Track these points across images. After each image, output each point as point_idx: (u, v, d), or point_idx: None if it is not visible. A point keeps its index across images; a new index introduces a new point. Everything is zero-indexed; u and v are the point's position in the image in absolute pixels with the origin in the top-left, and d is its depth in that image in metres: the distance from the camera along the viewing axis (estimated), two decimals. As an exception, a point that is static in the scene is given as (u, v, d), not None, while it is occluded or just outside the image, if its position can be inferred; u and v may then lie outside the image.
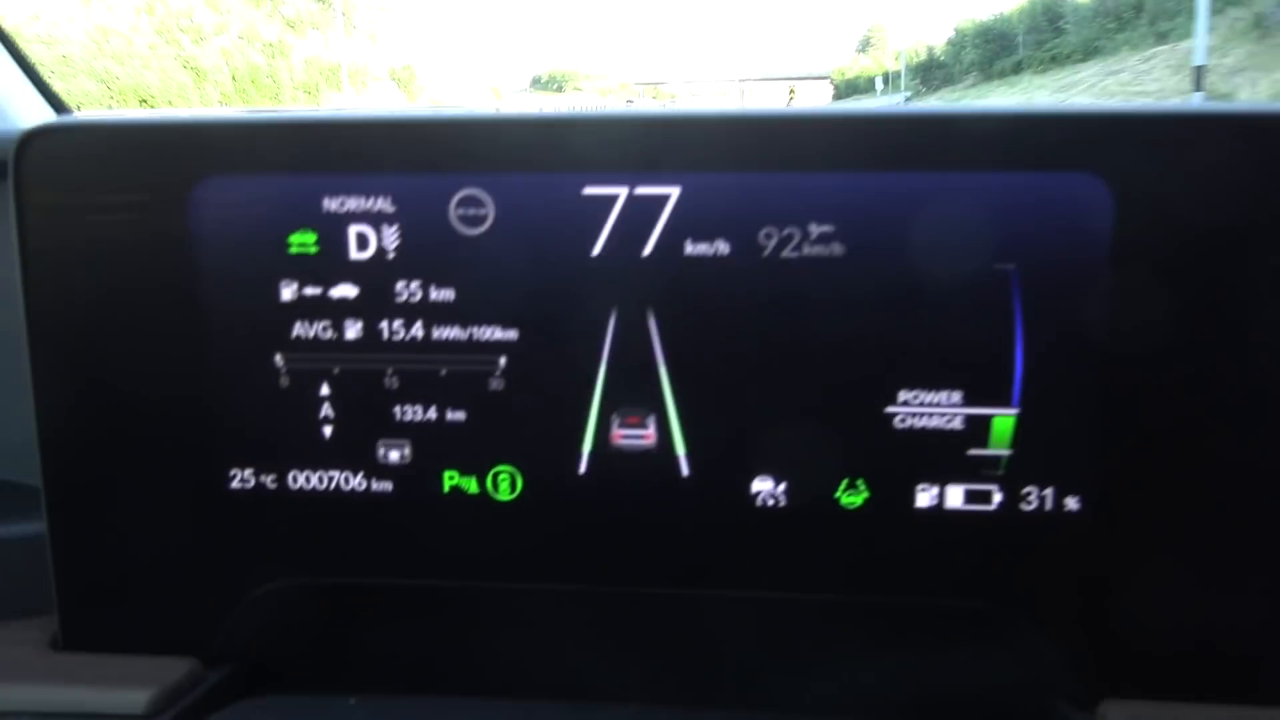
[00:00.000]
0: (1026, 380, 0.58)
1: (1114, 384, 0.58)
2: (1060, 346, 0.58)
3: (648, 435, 0.62)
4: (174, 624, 0.67)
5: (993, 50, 39.06)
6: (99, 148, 0.62)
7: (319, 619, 0.68)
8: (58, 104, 0.93)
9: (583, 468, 0.63)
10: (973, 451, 0.60)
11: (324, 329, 0.62)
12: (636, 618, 0.67)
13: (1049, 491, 0.60)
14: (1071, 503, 0.60)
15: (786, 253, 0.59)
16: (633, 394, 0.61)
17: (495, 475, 0.63)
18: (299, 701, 0.60)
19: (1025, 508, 0.60)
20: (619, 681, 0.68)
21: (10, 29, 0.92)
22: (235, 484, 0.65)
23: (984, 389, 0.59)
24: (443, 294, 0.61)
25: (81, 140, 0.62)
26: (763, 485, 0.62)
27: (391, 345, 0.62)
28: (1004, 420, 0.59)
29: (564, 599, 0.66)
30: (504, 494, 0.63)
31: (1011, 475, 0.60)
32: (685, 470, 0.62)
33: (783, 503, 0.62)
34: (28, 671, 0.65)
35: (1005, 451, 0.60)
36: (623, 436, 0.62)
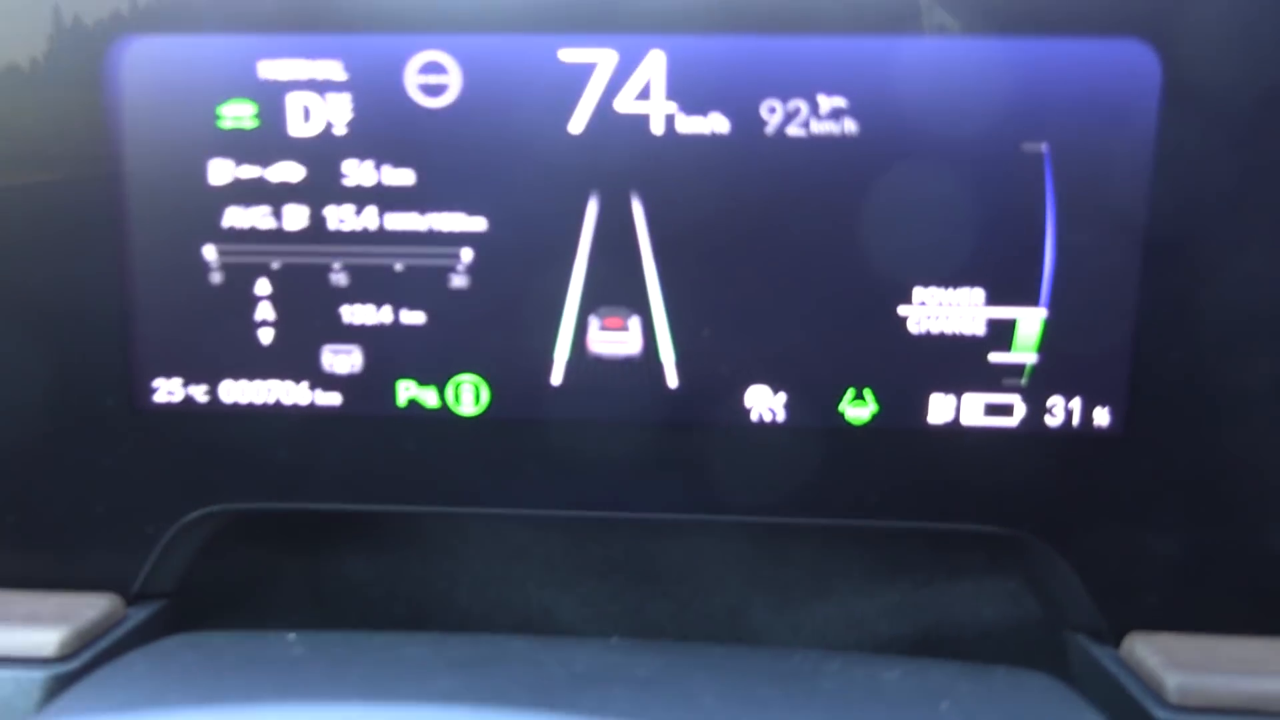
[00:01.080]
0: (1057, 276, 0.52)
1: (1155, 281, 0.52)
2: (1096, 238, 0.52)
3: (630, 340, 0.55)
4: (93, 557, 0.59)
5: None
6: (3, 5, 0.53)
7: (256, 550, 0.61)
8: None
9: (557, 378, 0.56)
10: (994, 357, 0.54)
11: (262, 216, 0.54)
12: (616, 546, 0.61)
13: (1077, 403, 0.54)
14: (1101, 416, 0.54)
15: (792, 129, 0.52)
16: (614, 292, 0.54)
17: (457, 386, 0.56)
18: (230, 639, 0.53)
19: (1050, 422, 0.54)
20: (595, 616, 0.62)
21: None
22: (159, 397, 0.57)
23: (1009, 287, 0.53)
24: (399, 176, 0.54)
25: None
26: (759, 397, 0.55)
27: (339, 236, 0.55)
28: (1030, 322, 0.53)
29: (534, 526, 0.60)
30: (467, 408, 0.56)
31: (1036, 385, 0.54)
32: (672, 380, 0.55)
33: (781, 417, 0.55)
34: None
35: (1030, 358, 0.53)
36: (602, 341, 0.55)
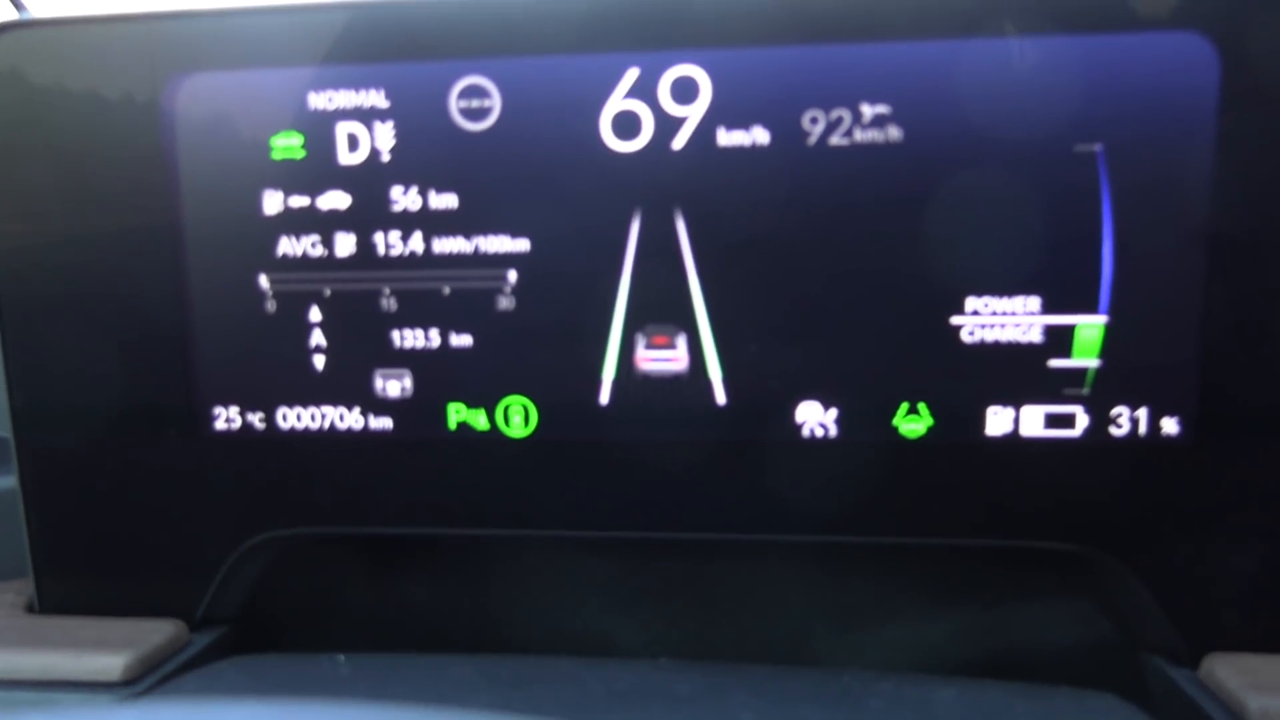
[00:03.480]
0: (1117, 281, 0.50)
1: (1219, 284, 0.50)
2: (1156, 240, 0.50)
3: (677, 358, 0.54)
4: (157, 584, 0.60)
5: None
6: (60, 47, 0.56)
7: (314, 574, 0.61)
8: (17, 1, 0.87)
9: (604, 397, 0.55)
10: (1054, 364, 0.52)
11: (313, 245, 0.55)
12: (675, 570, 0.60)
13: (1143, 413, 0.52)
14: (1170, 426, 0.51)
15: (835, 139, 0.51)
16: (660, 310, 0.54)
17: (506, 408, 0.56)
18: (281, 661, 0.53)
19: (1115, 432, 0.52)
20: (654, 641, 0.61)
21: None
22: (219, 425, 0.58)
23: (1066, 293, 0.51)
24: (444, 200, 0.54)
25: (41, 39, 0.56)
26: (810, 413, 0.54)
27: (387, 261, 0.55)
28: (1090, 329, 0.51)
29: (584, 547, 0.59)
30: (516, 429, 0.56)
31: (1099, 394, 0.52)
32: (721, 397, 0.55)
33: (833, 432, 0.54)
34: None
35: (1092, 364, 0.51)
36: (649, 360, 0.55)
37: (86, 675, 0.54)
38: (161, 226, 0.56)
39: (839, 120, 0.51)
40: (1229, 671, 0.50)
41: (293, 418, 0.57)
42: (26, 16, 0.61)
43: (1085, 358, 0.51)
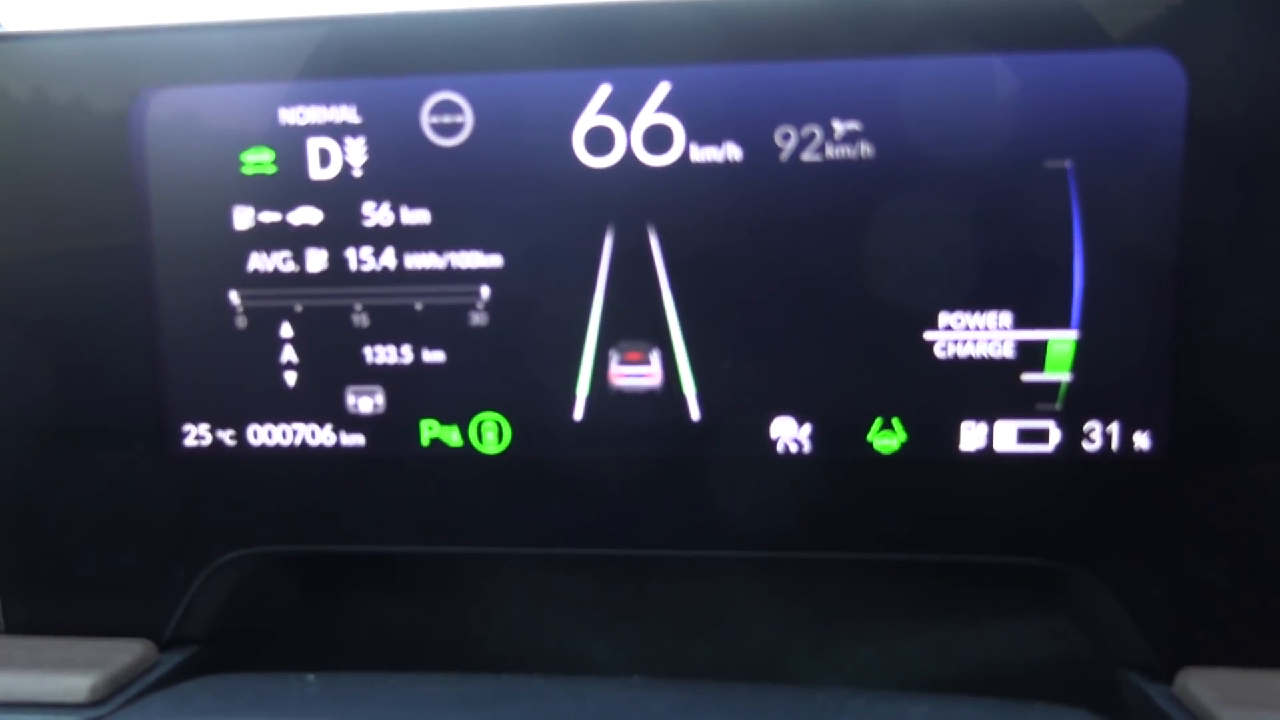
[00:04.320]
0: (1088, 296, 0.51)
1: (1191, 298, 0.50)
2: (1126, 256, 0.50)
3: (651, 373, 0.54)
4: (125, 603, 0.59)
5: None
6: (31, 62, 0.55)
7: (289, 594, 0.61)
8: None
9: (578, 413, 0.55)
10: (1027, 378, 0.52)
11: (284, 260, 0.55)
12: (642, 584, 0.60)
13: (1115, 427, 0.52)
14: (1142, 440, 0.52)
15: (807, 155, 0.51)
16: (633, 326, 0.54)
17: (479, 424, 0.56)
18: (249, 681, 0.53)
19: (1088, 447, 0.52)
20: (630, 659, 0.60)
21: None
22: (189, 442, 0.57)
23: (1038, 309, 0.51)
24: (416, 216, 0.54)
25: (12, 53, 0.55)
26: (784, 428, 0.54)
27: (359, 277, 0.55)
28: (1062, 344, 0.51)
29: (558, 564, 0.59)
30: (490, 446, 0.56)
31: (1072, 408, 0.52)
32: (695, 413, 0.54)
33: (808, 448, 0.54)
34: None
35: (1064, 379, 0.52)
36: (623, 376, 0.54)
37: (53, 696, 0.53)
38: (131, 241, 0.55)
39: (811, 136, 0.51)
40: (1203, 686, 0.50)
41: (264, 435, 0.57)
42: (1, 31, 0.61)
43: (1057, 373, 0.52)
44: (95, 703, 0.53)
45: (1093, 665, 0.56)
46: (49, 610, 0.60)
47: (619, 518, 0.56)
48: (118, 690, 0.54)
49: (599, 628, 0.63)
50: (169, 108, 0.54)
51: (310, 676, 0.51)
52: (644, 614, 0.63)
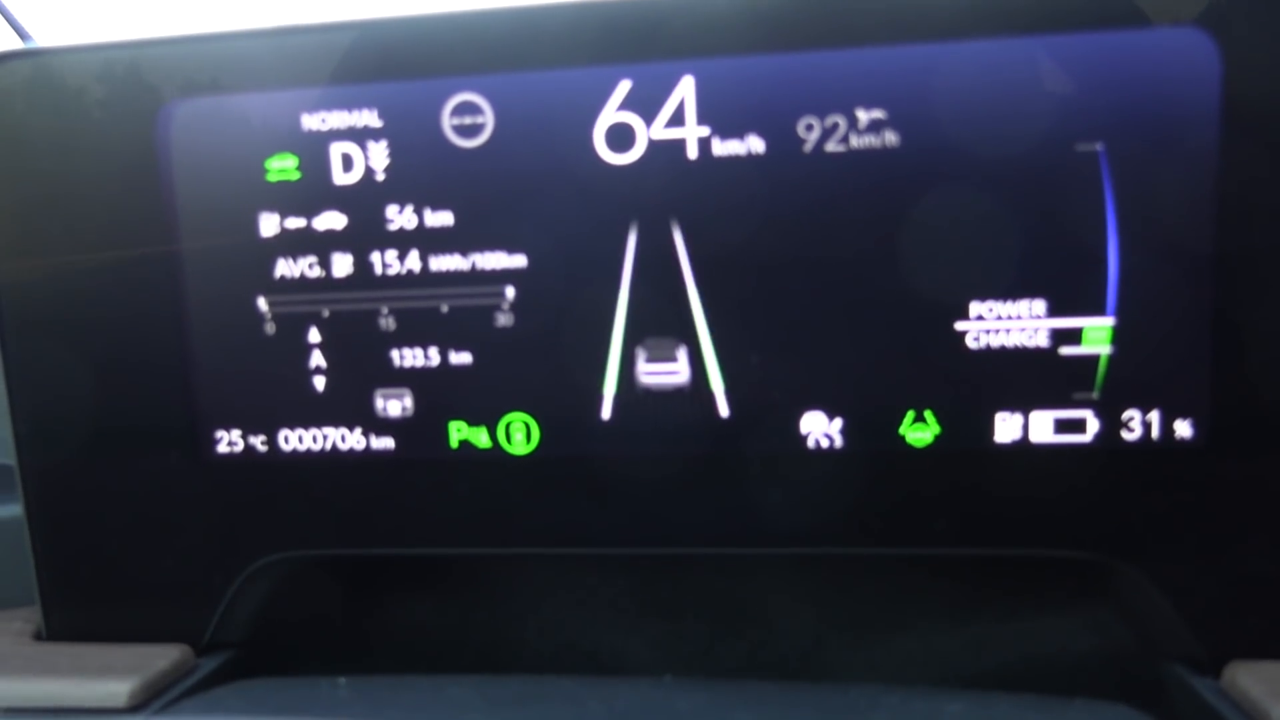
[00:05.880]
0: (1123, 281, 0.49)
1: (1229, 281, 0.49)
2: (1161, 239, 0.49)
3: (679, 370, 0.54)
4: (163, 608, 0.60)
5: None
6: (59, 76, 0.56)
7: (320, 596, 0.61)
8: (22, 32, 0.88)
9: (606, 412, 0.55)
10: (1061, 371, 0.51)
11: (310, 266, 0.55)
12: (674, 583, 0.59)
13: (1155, 416, 0.50)
14: (1183, 429, 0.50)
15: (831, 145, 0.50)
16: (660, 323, 0.53)
17: (508, 425, 0.56)
18: (280, 685, 0.53)
19: (1127, 436, 0.51)
20: (666, 658, 0.60)
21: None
22: (221, 448, 0.58)
23: (1072, 296, 0.50)
24: (440, 218, 0.54)
25: (40, 68, 0.56)
26: (815, 423, 0.53)
27: (385, 281, 0.55)
28: (1098, 331, 0.50)
29: (590, 564, 0.58)
30: (518, 446, 0.56)
31: (1109, 398, 0.51)
32: (724, 410, 0.54)
33: (839, 443, 0.53)
34: (4, 664, 0.58)
35: (1101, 366, 0.50)
36: (650, 373, 0.54)
37: (93, 702, 0.54)
38: (160, 251, 0.56)
39: (834, 127, 0.50)
40: (1252, 680, 0.49)
41: (294, 439, 0.57)
42: (31, 45, 0.61)
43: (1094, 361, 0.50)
44: (134, 708, 0.53)
45: (1136, 659, 0.55)
46: (89, 618, 0.60)
47: (649, 516, 0.56)
48: (156, 695, 0.55)
49: (632, 627, 0.62)
50: (194, 118, 0.54)
51: (341, 680, 0.51)
52: (678, 613, 0.62)
